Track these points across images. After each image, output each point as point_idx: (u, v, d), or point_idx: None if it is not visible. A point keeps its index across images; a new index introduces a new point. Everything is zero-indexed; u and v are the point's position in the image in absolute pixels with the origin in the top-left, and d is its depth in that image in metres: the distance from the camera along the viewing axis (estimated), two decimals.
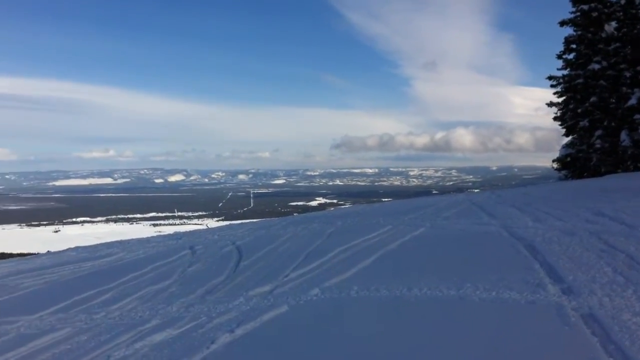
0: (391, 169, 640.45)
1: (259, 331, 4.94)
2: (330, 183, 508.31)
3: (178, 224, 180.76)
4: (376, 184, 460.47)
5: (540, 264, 6.46)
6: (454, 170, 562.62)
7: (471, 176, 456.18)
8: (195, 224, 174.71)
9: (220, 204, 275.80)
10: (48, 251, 20.87)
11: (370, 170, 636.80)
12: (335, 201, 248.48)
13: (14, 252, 75.39)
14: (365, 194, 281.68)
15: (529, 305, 4.95)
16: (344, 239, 9.75)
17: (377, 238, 9.61)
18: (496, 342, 4.08)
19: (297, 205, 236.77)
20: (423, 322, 4.74)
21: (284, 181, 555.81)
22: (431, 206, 15.14)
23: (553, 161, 27.91)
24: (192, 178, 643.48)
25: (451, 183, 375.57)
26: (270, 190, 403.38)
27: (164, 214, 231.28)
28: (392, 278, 6.40)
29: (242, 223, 20.54)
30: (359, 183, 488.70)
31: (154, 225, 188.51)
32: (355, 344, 4.35)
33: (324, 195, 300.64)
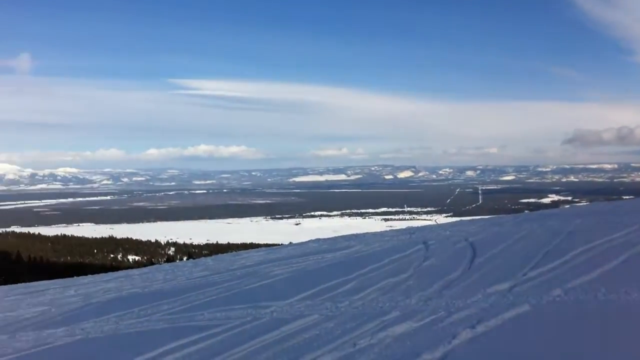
0: (633, 165, 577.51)
1: (501, 329, 4.84)
2: (564, 179, 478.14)
3: (408, 219, 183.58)
4: (616, 180, 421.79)
5: None
6: None
7: None
8: (424, 219, 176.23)
9: (449, 200, 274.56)
10: (290, 242, 22.61)
11: (609, 166, 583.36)
12: (569, 198, 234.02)
13: (261, 242, 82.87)
14: (603, 191, 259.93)
15: None
16: (584, 238, 9.12)
17: (622, 238, 8.84)
18: None
19: (528, 202, 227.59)
20: None
21: (513, 177, 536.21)
22: None
23: None
24: (420, 174, 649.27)
25: None
26: (499, 186, 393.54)
27: (394, 209, 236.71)
28: None
29: (472, 219, 20.30)
30: (595, 179, 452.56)
31: (385, 219, 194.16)
32: (606, 353, 4.07)
33: (557, 192, 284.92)
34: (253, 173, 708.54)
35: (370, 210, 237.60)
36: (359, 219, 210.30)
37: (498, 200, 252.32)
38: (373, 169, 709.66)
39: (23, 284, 17.75)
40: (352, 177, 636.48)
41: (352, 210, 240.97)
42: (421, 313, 5.76)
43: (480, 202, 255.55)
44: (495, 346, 4.41)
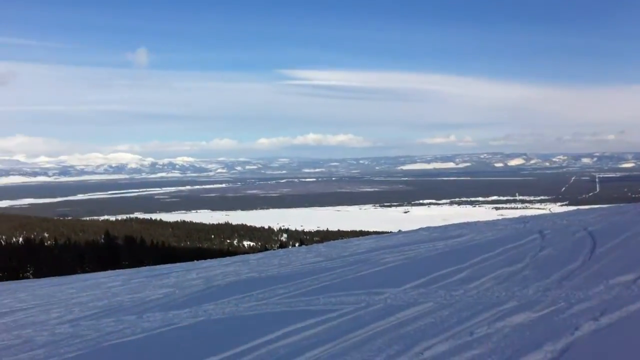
0: None
1: (626, 322, 4.66)
2: None
3: (520, 208, 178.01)
4: None
5: None
6: None
7: None
8: (538, 208, 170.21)
9: (563, 188, 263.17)
10: (400, 230, 22.58)
11: None
12: None
13: (370, 230, 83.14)
14: None
15: None
16: None
17: None
18: None
19: None
20: None
21: (633, 165, 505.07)
22: None
23: None
24: (532, 162, 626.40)
25: None
26: (618, 174, 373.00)
27: (505, 198, 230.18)
28: None
29: (590, 208, 19.47)
30: None
31: (496, 208, 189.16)
32: None
33: None
34: (361, 161, 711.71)
35: (480, 199, 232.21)
36: (469, 207, 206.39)
37: (617, 188, 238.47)
38: (482, 156, 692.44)
39: (147, 267, 18.91)
40: (461, 165, 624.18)
41: (462, 199, 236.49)
42: (540, 304, 5.63)
43: (598, 190, 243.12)
44: (621, 339, 4.27)
